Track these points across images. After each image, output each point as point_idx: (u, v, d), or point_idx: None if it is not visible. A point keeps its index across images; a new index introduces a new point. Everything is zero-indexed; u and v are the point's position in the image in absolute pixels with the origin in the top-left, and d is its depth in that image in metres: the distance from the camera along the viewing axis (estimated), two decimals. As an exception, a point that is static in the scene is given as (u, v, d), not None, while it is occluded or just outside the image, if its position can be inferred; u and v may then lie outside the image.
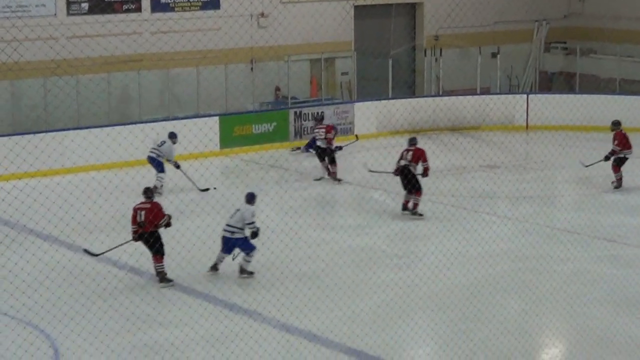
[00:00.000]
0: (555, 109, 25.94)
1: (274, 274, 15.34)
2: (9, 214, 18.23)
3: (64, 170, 21.82)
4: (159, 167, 20.77)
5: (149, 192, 15.42)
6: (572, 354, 12.80)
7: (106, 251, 15.42)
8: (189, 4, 26.64)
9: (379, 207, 19.65)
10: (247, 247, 15.27)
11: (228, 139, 24.73)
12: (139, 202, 15.28)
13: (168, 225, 15.22)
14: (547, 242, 17.23)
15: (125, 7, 25.62)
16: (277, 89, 28.01)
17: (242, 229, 15.17)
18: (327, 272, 15.52)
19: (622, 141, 20.38)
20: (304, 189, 21.18)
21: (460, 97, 28.30)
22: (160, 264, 15.18)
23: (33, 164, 19.77)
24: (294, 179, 22.27)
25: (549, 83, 32.27)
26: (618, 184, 20.58)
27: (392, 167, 18.81)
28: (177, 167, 20.72)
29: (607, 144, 20.77)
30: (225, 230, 15.29)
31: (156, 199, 16.02)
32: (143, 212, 15.05)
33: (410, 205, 18.72)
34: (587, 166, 20.75)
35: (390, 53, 28.83)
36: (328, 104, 27.15)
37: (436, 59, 30.29)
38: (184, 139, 21.46)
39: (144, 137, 22.53)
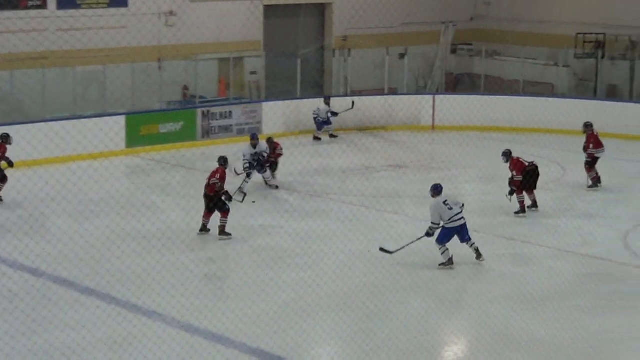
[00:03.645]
0: (461, 110, 26.25)
1: (174, 275, 15.12)
2: None
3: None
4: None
5: (220, 160, 16.97)
6: (472, 351, 12.88)
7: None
8: (96, 1, 26.16)
9: (281, 207, 19.57)
10: None
11: (134, 139, 24.38)
12: None
13: (228, 198, 16.71)
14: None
15: (29, 3, 25.03)
16: (185, 88, 27.75)
17: None
18: (229, 272, 15.40)
19: (597, 142, 20.67)
20: (209, 189, 20.94)
21: (368, 97, 28.45)
22: (224, 219, 16.66)
23: None
24: (200, 179, 22.02)
25: (455, 84, 32.66)
26: (593, 183, 20.84)
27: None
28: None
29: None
30: (459, 220, 15.53)
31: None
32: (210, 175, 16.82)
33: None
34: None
35: (299, 53, 28.81)
36: (236, 104, 27.01)
37: (345, 60, 30.38)
38: (84, 139, 21.09)
39: (42, 136, 21.89)
